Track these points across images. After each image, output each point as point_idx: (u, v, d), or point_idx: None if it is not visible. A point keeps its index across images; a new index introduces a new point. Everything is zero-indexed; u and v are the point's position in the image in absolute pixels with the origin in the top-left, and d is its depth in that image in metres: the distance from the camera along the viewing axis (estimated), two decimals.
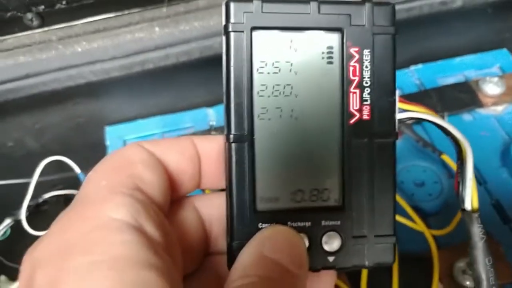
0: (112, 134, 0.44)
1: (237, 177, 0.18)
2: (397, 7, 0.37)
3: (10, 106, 0.39)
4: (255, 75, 0.18)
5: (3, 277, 0.69)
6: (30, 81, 0.37)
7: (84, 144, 0.43)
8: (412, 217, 0.34)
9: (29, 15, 0.35)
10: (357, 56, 0.18)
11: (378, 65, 0.19)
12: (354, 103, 0.19)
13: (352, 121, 0.19)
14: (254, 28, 0.18)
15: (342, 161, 0.19)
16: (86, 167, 0.40)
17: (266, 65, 0.18)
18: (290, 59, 0.18)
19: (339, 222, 0.19)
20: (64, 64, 0.37)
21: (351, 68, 0.18)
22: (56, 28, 0.36)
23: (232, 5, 0.18)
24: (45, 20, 0.35)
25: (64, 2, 0.34)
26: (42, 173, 0.41)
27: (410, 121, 0.33)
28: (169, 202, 0.19)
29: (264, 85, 0.18)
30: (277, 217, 0.19)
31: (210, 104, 0.45)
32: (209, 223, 0.21)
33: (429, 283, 0.32)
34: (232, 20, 0.18)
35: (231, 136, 0.18)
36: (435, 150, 0.38)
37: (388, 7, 0.19)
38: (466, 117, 0.42)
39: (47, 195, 0.44)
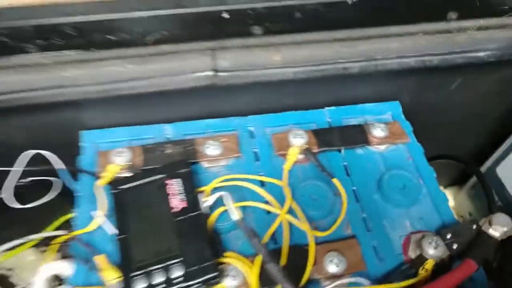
0: (86, 138, 0.55)
1: None
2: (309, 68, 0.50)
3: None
4: None
5: None
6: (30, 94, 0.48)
7: (64, 144, 0.54)
8: (303, 225, 0.48)
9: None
10: None
11: None
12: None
13: None
14: None
15: None
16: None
17: None
18: None
19: None
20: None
21: None
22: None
23: None
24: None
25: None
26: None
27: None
28: None
29: None
30: None
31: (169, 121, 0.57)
32: None
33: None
34: None
35: None
36: (329, 174, 0.52)
37: None
38: (359, 151, 0.57)
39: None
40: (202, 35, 0.49)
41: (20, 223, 0.60)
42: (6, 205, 0.57)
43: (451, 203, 0.83)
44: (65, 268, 0.49)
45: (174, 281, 0.40)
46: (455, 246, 0.47)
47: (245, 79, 0.52)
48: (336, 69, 0.53)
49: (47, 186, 0.58)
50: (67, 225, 0.64)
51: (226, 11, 0.47)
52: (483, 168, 0.77)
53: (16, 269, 0.80)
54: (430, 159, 0.58)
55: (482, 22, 0.55)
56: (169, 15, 0.47)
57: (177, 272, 0.40)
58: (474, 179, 0.80)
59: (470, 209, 0.81)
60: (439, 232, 0.48)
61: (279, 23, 0.51)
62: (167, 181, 0.47)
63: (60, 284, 0.52)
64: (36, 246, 0.76)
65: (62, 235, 0.62)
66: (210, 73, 0.51)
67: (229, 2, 0.46)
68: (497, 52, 0.55)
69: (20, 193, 0.56)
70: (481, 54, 0.55)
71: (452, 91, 0.64)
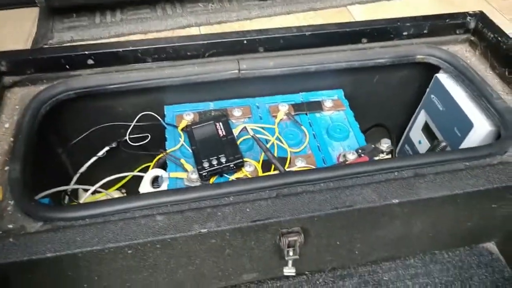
0: (168, 109, 1.02)
1: None
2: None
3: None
4: None
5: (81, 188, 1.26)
6: (142, 83, 0.95)
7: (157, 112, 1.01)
8: (284, 146, 0.93)
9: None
10: None
11: None
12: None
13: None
14: None
15: None
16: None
17: None
18: None
19: None
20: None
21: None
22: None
23: None
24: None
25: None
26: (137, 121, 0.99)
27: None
28: None
29: None
30: None
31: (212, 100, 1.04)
32: None
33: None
34: None
35: None
36: (300, 124, 0.97)
37: None
38: (317, 114, 1.03)
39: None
40: (233, 52, 0.96)
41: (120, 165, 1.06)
42: (115, 152, 1.04)
43: None
44: (161, 172, 0.95)
45: (221, 162, 0.85)
46: (362, 155, 0.91)
47: (254, 75, 0.99)
48: (302, 69, 0.99)
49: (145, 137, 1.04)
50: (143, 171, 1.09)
51: (246, 39, 0.94)
52: (404, 133, 1.22)
53: None
54: (368, 128, 1.04)
55: (381, 44, 1.02)
56: (216, 42, 0.95)
57: (223, 159, 0.85)
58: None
59: None
60: (356, 150, 0.93)
61: (272, 45, 0.98)
62: (216, 123, 0.93)
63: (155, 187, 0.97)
64: (121, 188, 1.22)
65: (142, 175, 1.07)
66: (236, 71, 0.98)
67: (247, 35, 0.94)
68: (389, 60, 1.01)
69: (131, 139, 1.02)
70: (381, 60, 1.01)
71: (374, 83, 1.11)
